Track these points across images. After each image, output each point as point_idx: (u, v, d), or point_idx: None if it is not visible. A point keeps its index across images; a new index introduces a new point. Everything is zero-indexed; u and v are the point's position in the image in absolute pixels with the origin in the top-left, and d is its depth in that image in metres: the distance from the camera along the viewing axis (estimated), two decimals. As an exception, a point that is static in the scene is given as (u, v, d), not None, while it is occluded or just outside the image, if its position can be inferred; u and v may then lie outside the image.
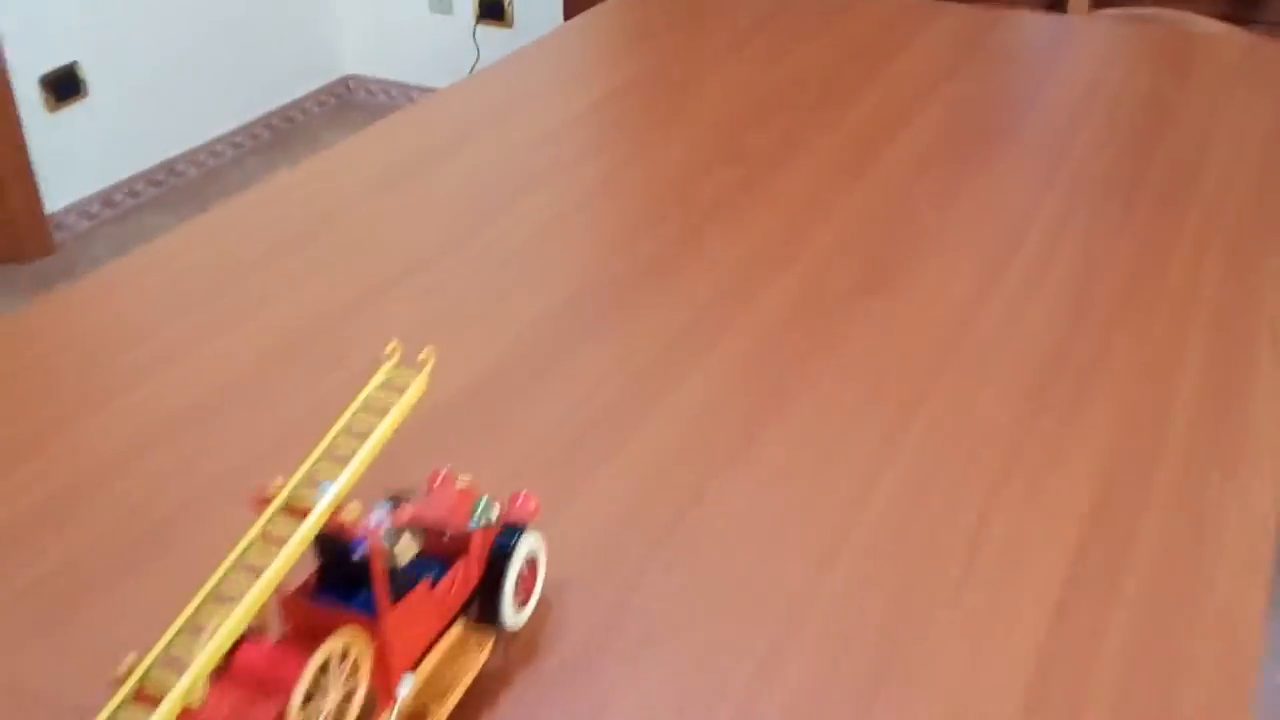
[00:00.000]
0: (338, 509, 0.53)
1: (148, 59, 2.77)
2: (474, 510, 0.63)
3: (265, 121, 3.14)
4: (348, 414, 0.58)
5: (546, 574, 0.69)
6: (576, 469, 0.74)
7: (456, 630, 0.62)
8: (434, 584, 0.59)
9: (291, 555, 0.50)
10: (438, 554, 0.62)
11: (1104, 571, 0.61)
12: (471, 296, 0.87)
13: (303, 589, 0.56)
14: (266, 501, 0.52)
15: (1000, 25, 1.40)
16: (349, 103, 3.38)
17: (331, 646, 0.51)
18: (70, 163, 2.63)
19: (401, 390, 0.59)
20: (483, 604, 0.63)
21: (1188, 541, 0.63)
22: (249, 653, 0.50)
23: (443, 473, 0.67)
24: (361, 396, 0.59)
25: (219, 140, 3.01)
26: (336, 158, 1.09)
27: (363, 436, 0.57)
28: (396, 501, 0.58)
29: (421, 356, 0.61)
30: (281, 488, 0.53)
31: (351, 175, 1.05)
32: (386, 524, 0.56)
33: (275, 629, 0.52)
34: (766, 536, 0.66)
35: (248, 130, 3.09)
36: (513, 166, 1.06)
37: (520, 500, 0.67)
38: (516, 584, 0.64)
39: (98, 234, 2.64)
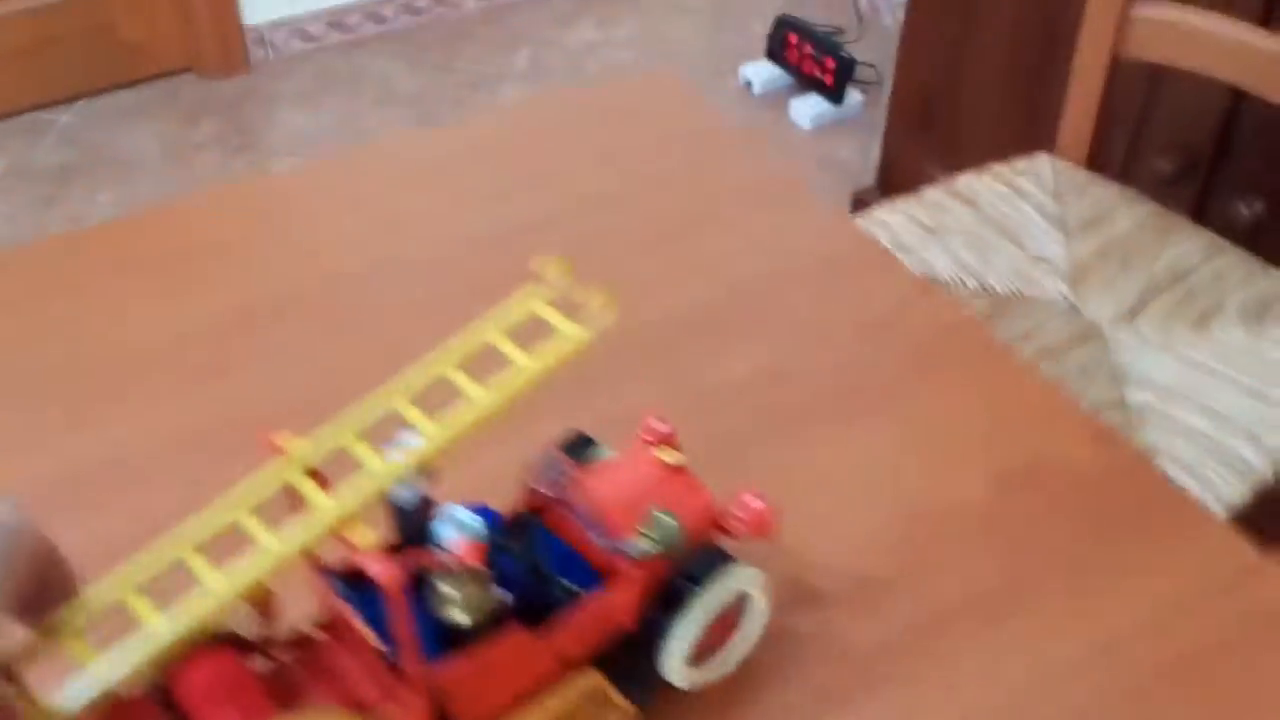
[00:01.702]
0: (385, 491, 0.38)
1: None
2: (646, 525, 0.45)
3: None
4: (459, 347, 0.42)
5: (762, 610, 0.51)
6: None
7: (586, 684, 0.45)
8: (540, 623, 0.42)
9: (283, 552, 0.37)
10: (584, 554, 0.46)
11: None
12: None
13: (327, 570, 0.42)
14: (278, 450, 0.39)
15: None
16: None
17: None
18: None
19: (559, 328, 0.43)
20: (637, 655, 0.46)
21: None
22: (192, 678, 0.37)
23: (658, 426, 0.49)
24: (500, 318, 0.43)
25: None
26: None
27: (479, 381, 0.41)
28: (491, 517, 0.42)
29: (594, 295, 0.44)
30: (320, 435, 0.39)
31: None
32: (441, 560, 0.39)
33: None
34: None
35: None
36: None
37: (744, 506, 0.48)
38: (701, 633, 0.46)
39: (311, 61, 2.55)
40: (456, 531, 0.41)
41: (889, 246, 1.19)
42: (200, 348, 0.71)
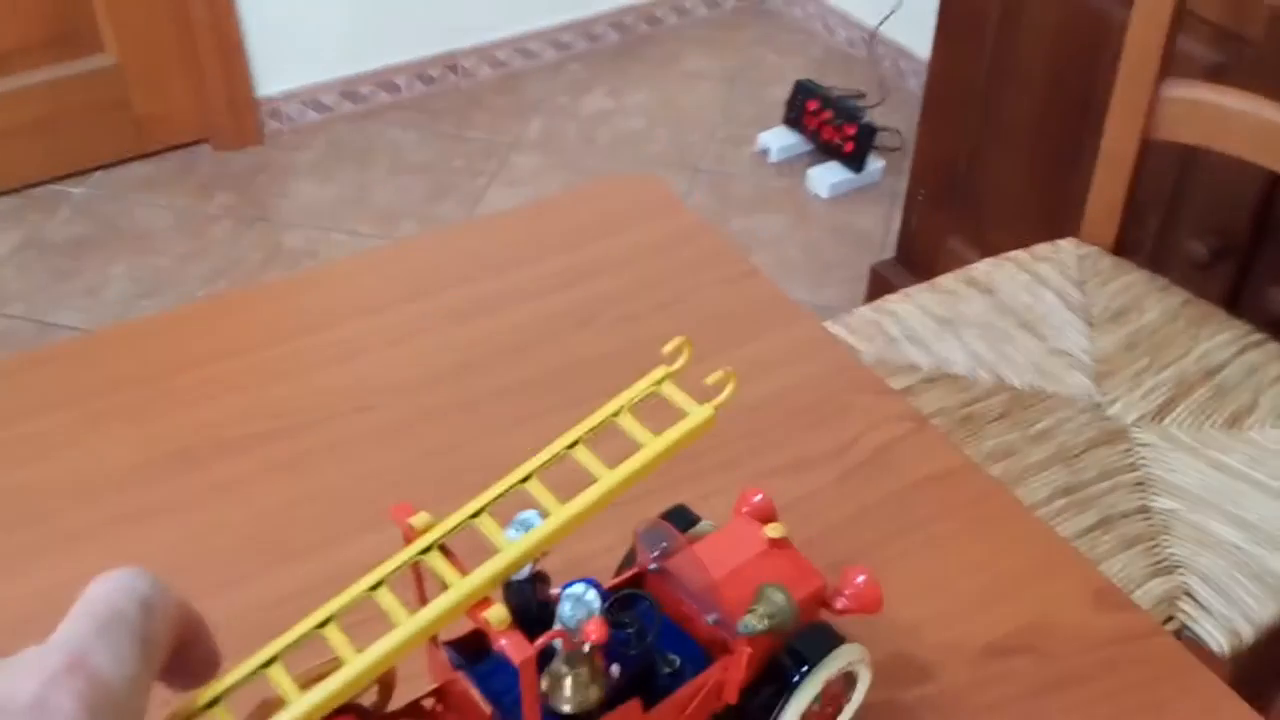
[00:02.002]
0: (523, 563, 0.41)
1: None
2: (755, 601, 0.46)
3: (613, 18, 2.86)
4: (584, 424, 0.45)
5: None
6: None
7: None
8: (650, 703, 0.44)
9: (416, 632, 0.39)
10: (689, 629, 0.47)
11: None
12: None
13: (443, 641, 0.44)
14: (413, 532, 0.42)
15: None
16: (757, 10, 2.98)
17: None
18: (303, 33, 2.51)
19: (684, 407, 0.45)
20: None
21: None
22: None
23: (756, 499, 0.51)
24: (622, 400, 0.45)
25: (533, 36, 2.75)
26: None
27: (604, 461, 0.43)
28: (606, 596, 0.43)
29: (718, 375, 0.46)
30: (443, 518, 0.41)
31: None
32: (567, 637, 0.41)
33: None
34: None
35: (583, 27, 2.83)
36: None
37: (849, 582, 0.50)
38: (807, 711, 0.47)
39: (324, 131, 2.54)
40: (579, 610, 0.42)
41: (900, 339, 1.15)
42: (307, 434, 0.68)
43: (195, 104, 2.43)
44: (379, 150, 2.49)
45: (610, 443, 0.44)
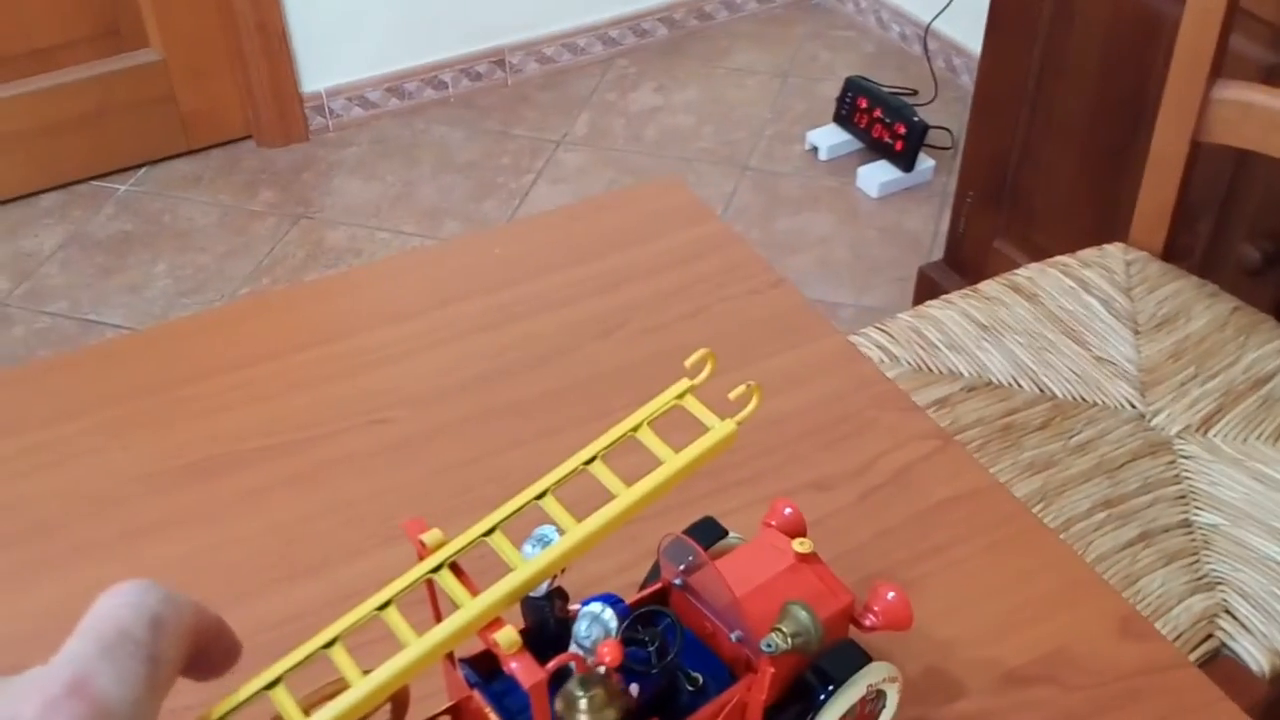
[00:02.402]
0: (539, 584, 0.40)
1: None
2: (779, 619, 0.46)
3: (663, 13, 2.85)
4: (603, 439, 0.44)
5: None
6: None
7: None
8: (667, 715, 0.44)
9: (432, 648, 0.38)
10: (713, 646, 0.47)
11: None
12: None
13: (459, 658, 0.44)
14: (425, 549, 0.42)
15: None
16: (808, 4, 2.94)
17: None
18: (349, 29, 2.54)
19: (706, 422, 0.44)
20: None
21: None
22: None
23: (786, 511, 0.51)
24: (642, 414, 0.45)
25: (581, 31, 2.77)
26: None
27: (624, 477, 0.42)
28: (620, 607, 0.43)
29: (741, 389, 0.46)
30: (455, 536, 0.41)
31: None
32: (580, 659, 0.41)
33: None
34: None
35: (632, 22, 2.83)
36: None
37: (879, 598, 0.50)
38: None
39: (369, 128, 2.57)
40: (595, 629, 0.43)
41: (940, 346, 1.15)
42: (321, 446, 0.70)
43: (240, 100, 2.47)
44: (425, 147, 2.51)
45: (630, 457, 0.44)
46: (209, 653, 0.38)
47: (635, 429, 0.45)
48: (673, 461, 0.43)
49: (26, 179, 2.36)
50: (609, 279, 0.84)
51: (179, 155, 2.48)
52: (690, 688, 0.47)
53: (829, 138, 2.41)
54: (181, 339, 0.81)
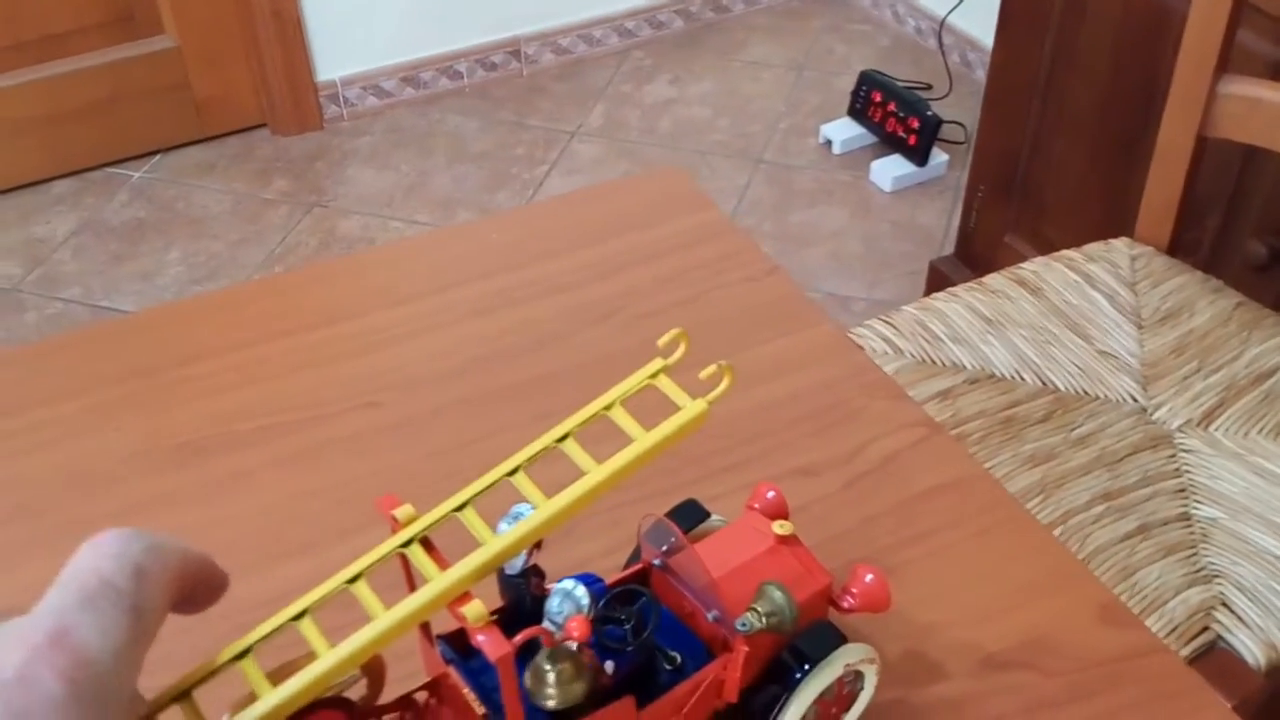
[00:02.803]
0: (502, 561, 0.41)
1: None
2: (755, 599, 0.47)
3: (679, 5, 2.83)
4: (577, 417, 0.45)
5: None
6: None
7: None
8: (650, 699, 0.45)
9: (401, 620, 0.39)
10: (691, 626, 0.48)
11: None
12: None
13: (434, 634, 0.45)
14: (398, 525, 0.43)
15: None
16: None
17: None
18: (364, 18, 2.55)
19: (678, 401, 0.45)
20: None
21: None
22: None
23: (769, 495, 0.52)
24: (615, 393, 0.46)
25: (597, 23, 2.78)
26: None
27: (595, 454, 0.43)
28: (598, 586, 0.44)
29: (712, 369, 0.46)
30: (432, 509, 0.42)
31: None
32: (548, 634, 0.42)
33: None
34: None
35: (648, 14, 2.83)
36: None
37: (857, 580, 0.50)
38: (809, 711, 0.48)
39: (384, 117, 2.59)
40: (567, 605, 0.43)
41: (944, 338, 1.16)
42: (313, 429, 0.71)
43: (255, 88, 2.49)
44: (439, 137, 2.53)
45: (610, 439, 0.45)
46: (195, 593, 0.38)
47: (608, 408, 0.46)
48: (643, 440, 0.44)
49: (40, 165, 2.39)
50: (605, 266, 0.85)
51: (193, 143, 2.50)
52: (668, 666, 0.48)
53: (843, 131, 2.41)
54: (178, 321, 0.82)
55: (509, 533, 0.42)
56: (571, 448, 0.45)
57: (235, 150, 2.50)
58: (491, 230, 0.90)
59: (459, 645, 0.47)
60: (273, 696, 0.38)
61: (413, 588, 0.42)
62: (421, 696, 0.47)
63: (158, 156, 2.47)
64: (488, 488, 0.44)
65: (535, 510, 0.42)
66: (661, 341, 0.47)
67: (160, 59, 2.39)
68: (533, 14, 2.66)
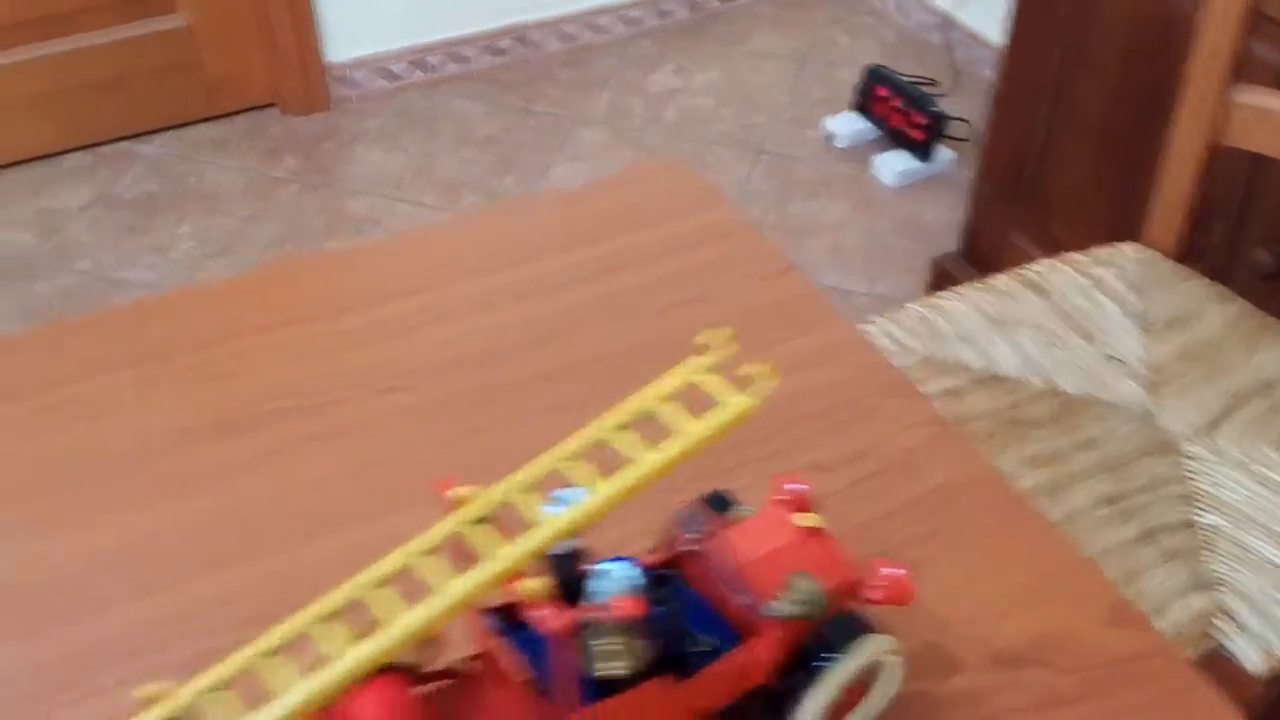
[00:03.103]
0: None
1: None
2: (785, 587, 0.48)
3: None
4: (625, 407, 0.45)
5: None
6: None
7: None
8: (681, 678, 0.45)
9: (461, 596, 0.41)
10: (721, 610, 0.49)
11: None
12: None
13: (485, 607, 0.46)
14: (456, 505, 0.44)
15: None
16: None
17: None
18: (373, 2, 2.51)
19: (723, 397, 0.46)
20: (767, 713, 0.49)
21: None
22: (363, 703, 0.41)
23: (791, 486, 0.52)
24: (663, 386, 0.46)
25: (603, 11, 2.74)
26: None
27: (644, 444, 0.43)
28: (644, 575, 0.45)
29: (757, 368, 0.47)
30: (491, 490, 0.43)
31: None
32: (595, 614, 0.43)
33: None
34: None
35: (653, 3, 2.77)
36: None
37: (881, 576, 0.51)
38: (834, 698, 0.48)
39: (392, 100, 2.57)
40: (616, 586, 0.44)
41: (950, 337, 1.15)
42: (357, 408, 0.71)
43: (265, 68, 2.47)
44: (446, 121, 2.51)
45: (639, 431, 0.46)
46: None
47: (656, 402, 0.47)
48: (694, 429, 0.45)
49: (53, 139, 2.37)
50: (615, 261, 0.84)
51: (204, 120, 2.48)
52: (702, 649, 0.49)
53: (847, 125, 2.40)
54: (206, 303, 0.82)
55: (570, 511, 0.43)
56: (624, 437, 0.45)
57: (245, 129, 2.48)
58: (503, 221, 0.89)
59: (506, 617, 0.48)
60: (340, 665, 0.40)
61: (462, 566, 0.43)
62: (473, 667, 0.49)
63: (169, 133, 2.45)
64: (544, 471, 0.45)
65: (592, 492, 0.43)
66: (699, 340, 0.47)
67: (172, 38, 2.37)
68: (539, 0, 2.64)
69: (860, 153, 2.38)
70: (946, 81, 2.52)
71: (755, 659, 0.48)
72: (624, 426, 0.46)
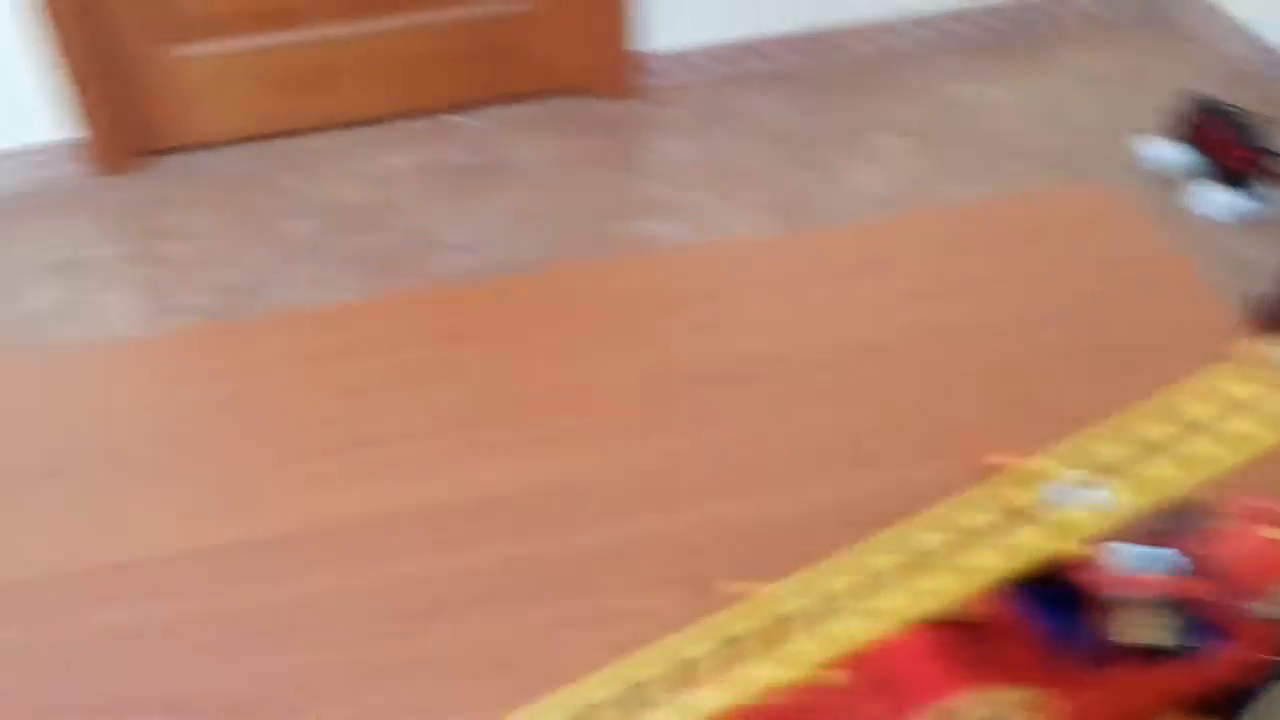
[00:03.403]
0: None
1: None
2: (1271, 590, 0.48)
3: (997, 9, 2.72)
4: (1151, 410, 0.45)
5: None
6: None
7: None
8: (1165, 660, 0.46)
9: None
10: (1189, 608, 0.48)
11: None
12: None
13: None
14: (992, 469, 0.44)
15: None
16: (1147, 14, 2.80)
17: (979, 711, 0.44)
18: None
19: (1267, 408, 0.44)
20: (1223, 711, 0.49)
21: None
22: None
23: (1253, 503, 0.51)
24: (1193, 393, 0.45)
25: (915, 20, 2.71)
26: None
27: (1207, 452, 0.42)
28: (1172, 555, 0.45)
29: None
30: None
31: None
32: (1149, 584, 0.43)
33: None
34: None
35: (966, 16, 2.73)
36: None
37: None
38: None
39: (698, 93, 2.61)
40: (1148, 564, 0.45)
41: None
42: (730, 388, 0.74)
43: (583, 54, 2.55)
44: (748, 117, 2.53)
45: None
46: None
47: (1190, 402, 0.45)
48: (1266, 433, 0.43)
49: (387, 105, 2.51)
50: (1021, 281, 0.83)
51: (522, 99, 2.58)
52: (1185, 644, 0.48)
53: (1161, 152, 2.30)
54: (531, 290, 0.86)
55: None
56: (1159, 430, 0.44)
57: (559, 110, 2.56)
58: (879, 236, 0.89)
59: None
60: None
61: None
62: (989, 618, 0.49)
63: (492, 108, 2.56)
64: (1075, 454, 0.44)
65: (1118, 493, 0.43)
66: (1244, 345, 0.46)
67: (512, 20, 2.47)
68: (851, 5, 2.63)
69: (1174, 181, 2.28)
70: (1277, 116, 2.38)
71: (1234, 656, 0.48)
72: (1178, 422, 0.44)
